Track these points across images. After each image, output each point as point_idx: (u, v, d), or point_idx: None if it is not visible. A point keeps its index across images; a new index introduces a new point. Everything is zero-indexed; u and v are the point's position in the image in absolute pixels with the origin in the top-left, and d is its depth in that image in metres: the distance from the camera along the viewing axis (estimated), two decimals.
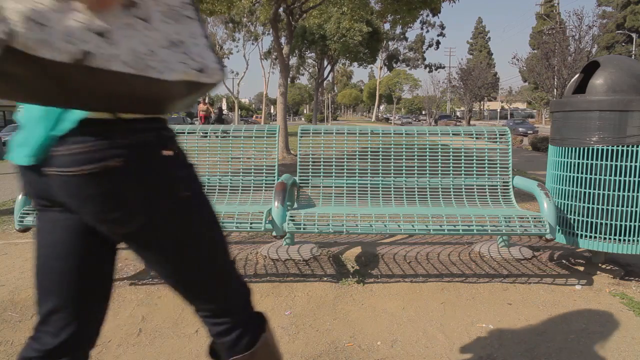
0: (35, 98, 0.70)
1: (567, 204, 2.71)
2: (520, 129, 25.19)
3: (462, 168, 3.00)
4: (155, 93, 0.76)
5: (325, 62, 27.22)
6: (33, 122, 0.83)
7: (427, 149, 2.98)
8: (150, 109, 0.81)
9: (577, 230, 2.67)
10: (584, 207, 2.62)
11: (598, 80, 2.59)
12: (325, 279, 2.74)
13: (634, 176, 2.48)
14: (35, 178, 0.86)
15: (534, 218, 2.44)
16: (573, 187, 2.67)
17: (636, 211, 2.50)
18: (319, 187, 2.97)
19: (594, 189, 2.57)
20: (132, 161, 0.81)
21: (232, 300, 1.03)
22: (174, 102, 0.81)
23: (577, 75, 2.88)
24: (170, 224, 0.89)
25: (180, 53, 0.77)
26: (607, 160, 2.52)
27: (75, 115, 0.79)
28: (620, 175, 2.50)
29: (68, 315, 0.94)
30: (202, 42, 0.81)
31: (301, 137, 3.05)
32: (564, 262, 3.00)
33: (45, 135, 0.81)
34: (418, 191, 2.98)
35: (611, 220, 2.55)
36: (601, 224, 2.58)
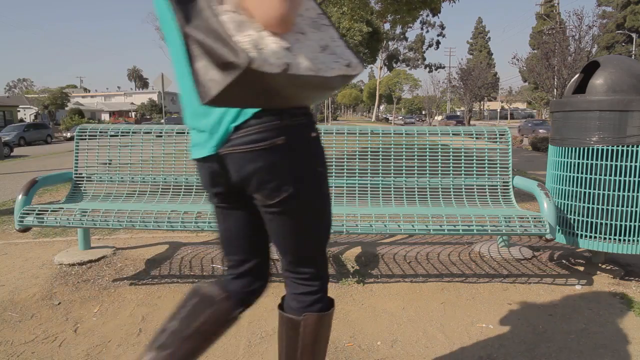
0: (247, 102, 0.95)
1: (567, 204, 2.71)
2: (540, 131, 19.93)
3: (462, 168, 3.00)
4: (322, 87, 0.97)
5: None
6: (213, 123, 1.07)
7: (427, 149, 2.98)
8: (312, 100, 1.05)
9: (577, 230, 2.67)
10: (584, 207, 2.62)
11: (598, 80, 2.59)
12: None
13: (634, 176, 2.48)
14: (211, 166, 1.13)
15: (534, 218, 2.44)
16: (573, 187, 2.67)
17: (636, 211, 2.50)
18: None
19: (594, 189, 2.57)
20: (291, 140, 1.05)
21: (325, 269, 1.25)
22: (331, 92, 1.04)
23: (577, 75, 2.88)
24: (307, 194, 1.12)
25: (330, 54, 0.97)
26: (607, 160, 2.52)
27: (252, 109, 1.02)
28: (620, 175, 2.50)
29: (249, 261, 1.29)
30: (341, 43, 1.01)
31: None
32: (564, 262, 3.00)
33: (227, 127, 1.05)
34: (418, 191, 2.98)
35: (611, 220, 2.55)
36: (601, 224, 2.58)
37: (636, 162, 2.47)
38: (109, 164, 3.18)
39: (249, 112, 1.04)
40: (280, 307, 1.29)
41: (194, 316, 1.27)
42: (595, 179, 2.56)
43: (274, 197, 1.09)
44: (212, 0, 0.86)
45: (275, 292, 2.54)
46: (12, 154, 16.99)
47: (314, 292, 1.24)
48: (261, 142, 1.04)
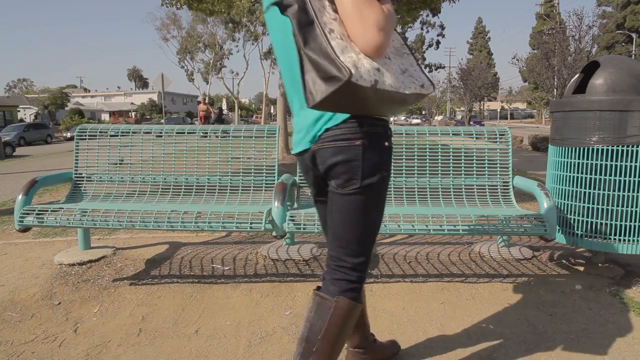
0: (341, 108, 1.21)
1: (567, 204, 2.71)
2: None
3: (462, 168, 3.00)
4: (401, 102, 1.22)
5: None
6: (309, 124, 1.35)
7: (427, 149, 2.98)
8: (392, 112, 1.31)
9: (577, 230, 2.67)
10: (584, 207, 2.62)
11: (598, 80, 2.59)
12: None
13: (634, 176, 2.48)
14: (305, 159, 1.42)
15: (534, 218, 2.44)
16: (573, 187, 2.67)
17: (636, 211, 2.50)
18: None
19: (594, 189, 2.57)
20: (367, 143, 1.29)
21: (365, 268, 1.41)
22: (407, 107, 1.31)
23: (577, 75, 2.88)
24: (370, 192, 1.33)
25: (408, 76, 1.23)
26: (607, 160, 2.52)
27: (342, 115, 1.28)
28: (620, 175, 2.50)
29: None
30: (417, 68, 1.27)
31: None
32: (564, 262, 3.00)
33: (320, 128, 1.32)
34: (418, 191, 2.98)
35: (611, 220, 2.55)
36: (601, 224, 2.58)
37: (636, 162, 2.47)
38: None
39: (338, 117, 1.30)
40: (317, 289, 1.44)
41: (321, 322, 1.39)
42: (595, 179, 2.57)
43: (344, 186, 1.33)
44: (325, 28, 1.13)
45: (275, 292, 2.54)
46: (14, 153, 16.99)
47: (351, 281, 1.40)
48: (343, 141, 1.30)
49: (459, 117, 47.24)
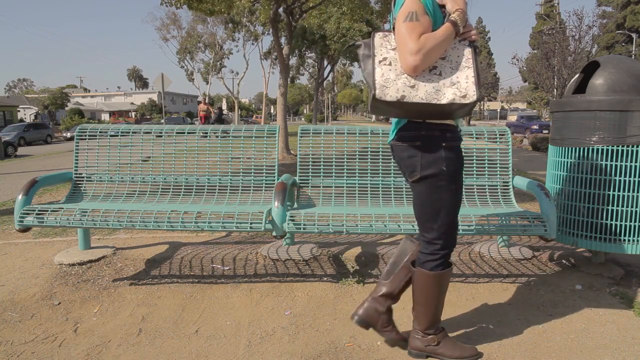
0: (390, 114, 1.69)
1: (567, 204, 2.71)
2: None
3: None
4: (436, 111, 1.58)
5: (325, 62, 27.17)
6: (393, 125, 1.78)
7: None
8: (437, 117, 1.63)
9: (577, 230, 2.67)
10: (584, 207, 2.62)
11: (598, 80, 2.59)
12: (325, 279, 2.74)
13: (634, 176, 2.48)
14: (391, 151, 1.86)
15: (534, 218, 2.44)
16: (573, 187, 2.67)
17: (636, 211, 2.50)
18: (319, 187, 2.97)
19: (594, 189, 2.57)
20: (425, 144, 1.66)
21: (446, 240, 1.74)
22: (449, 114, 1.61)
23: (577, 75, 2.88)
24: (432, 181, 1.67)
25: (454, 87, 1.54)
26: (607, 160, 2.52)
27: (406, 119, 1.69)
28: (620, 175, 2.50)
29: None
30: (472, 80, 1.54)
31: (301, 137, 3.05)
32: (564, 262, 3.00)
33: (395, 128, 1.75)
34: None
35: (611, 220, 2.54)
36: (601, 224, 2.58)
37: (636, 162, 2.47)
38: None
39: (404, 121, 1.70)
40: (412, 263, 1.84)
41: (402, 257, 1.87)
42: (595, 179, 2.56)
43: (410, 177, 1.72)
44: (378, 58, 1.60)
45: (275, 292, 2.54)
46: (16, 153, 17.01)
47: (429, 253, 1.75)
48: (406, 141, 1.70)
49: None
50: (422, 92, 1.54)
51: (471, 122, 33.91)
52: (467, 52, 1.59)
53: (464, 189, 3.03)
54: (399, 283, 1.88)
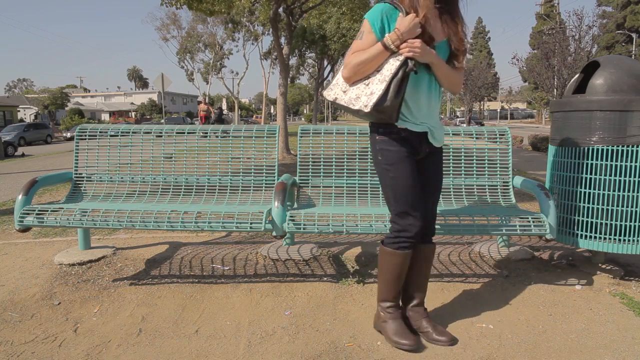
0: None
1: (567, 204, 2.71)
2: None
3: (462, 168, 3.00)
4: (354, 114, 1.83)
5: (325, 62, 27.18)
6: None
7: None
8: (361, 118, 1.85)
9: (577, 230, 2.67)
10: (584, 207, 2.62)
11: (598, 80, 2.59)
12: (325, 279, 2.74)
13: (634, 176, 2.48)
14: None
15: (534, 218, 2.44)
16: (573, 187, 2.67)
17: (636, 211, 2.50)
18: (319, 187, 2.97)
19: (594, 189, 2.57)
20: (372, 137, 1.97)
21: (394, 221, 1.95)
22: (364, 117, 1.84)
23: (577, 75, 2.88)
24: (376, 170, 1.98)
25: (367, 97, 1.79)
26: (607, 160, 2.52)
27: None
28: (620, 175, 2.50)
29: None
30: (379, 94, 1.77)
31: (301, 137, 3.05)
32: (564, 262, 3.00)
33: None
34: None
35: (611, 220, 2.54)
36: (601, 224, 2.57)
37: (636, 162, 2.47)
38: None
39: None
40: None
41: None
42: (595, 179, 2.56)
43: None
44: (342, 62, 1.91)
45: (275, 292, 2.54)
46: (16, 153, 17.02)
47: (389, 230, 1.99)
48: (370, 133, 2.00)
49: (459, 116, 47.21)
50: (347, 97, 1.85)
51: (471, 123, 33.93)
52: (394, 67, 1.76)
53: (464, 189, 3.09)
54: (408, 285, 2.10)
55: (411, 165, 1.91)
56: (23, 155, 16.31)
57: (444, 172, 2.99)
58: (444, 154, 3.02)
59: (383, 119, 1.83)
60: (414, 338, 1.94)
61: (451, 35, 1.88)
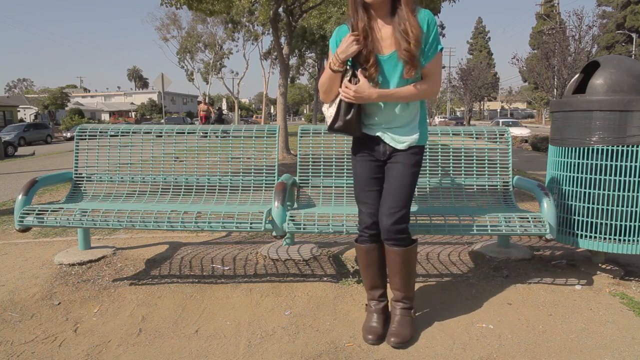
0: None
1: (567, 204, 2.71)
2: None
3: (462, 168, 3.00)
4: (329, 127, 2.00)
5: (325, 62, 27.17)
6: None
7: (427, 149, 2.98)
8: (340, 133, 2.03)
9: (577, 230, 2.67)
10: (584, 207, 2.62)
11: (598, 80, 2.59)
12: (325, 279, 2.74)
13: (634, 176, 2.48)
14: None
15: (534, 218, 2.44)
16: (573, 187, 2.67)
17: (636, 211, 2.50)
18: (319, 187, 2.97)
19: (594, 189, 2.57)
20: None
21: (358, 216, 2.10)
22: (332, 131, 2.00)
23: (577, 75, 2.88)
24: None
25: (329, 117, 2.00)
26: (607, 160, 2.52)
27: None
28: (620, 175, 2.50)
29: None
30: (333, 116, 1.98)
31: (301, 137, 3.04)
32: (564, 262, 3.00)
33: None
34: (418, 191, 2.98)
35: (611, 220, 2.54)
36: (601, 224, 2.57)
37: (636, 162, 2.47)
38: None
39: None
40: None
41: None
42: (595, 179, 2.56)
43: None
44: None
45: (275, 292, 2.54)
46: (16, 153, 17.04)
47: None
48: None
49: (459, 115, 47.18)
50: (327, 111, 2.01)
51: (471, 122, 33.94)
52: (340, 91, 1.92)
53: (464, 189, 3.09)
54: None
55: (363, 165, 2.02)
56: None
57: (444, 172, 3.01)
58: (444, 154, 3.04)
59: (346, 134, 2.01)
60: (377, 333, 1.99)
61: (399, 47, 1.80)
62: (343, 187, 2.98)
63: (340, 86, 1.89)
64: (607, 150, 2.51)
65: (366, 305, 2.13)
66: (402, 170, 1.96)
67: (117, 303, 2.43)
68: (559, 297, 2.44)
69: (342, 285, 2.63)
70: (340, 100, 1.90)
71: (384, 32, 1.85)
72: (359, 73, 1.86)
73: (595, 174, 2.56)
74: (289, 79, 13.76)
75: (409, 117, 1.97)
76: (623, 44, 41.15)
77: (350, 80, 1.86)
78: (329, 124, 1.96)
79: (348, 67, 1.88)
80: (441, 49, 1.90)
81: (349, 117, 1.90)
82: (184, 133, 3.21)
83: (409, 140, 1.95)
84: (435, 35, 1.85)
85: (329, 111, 1.97)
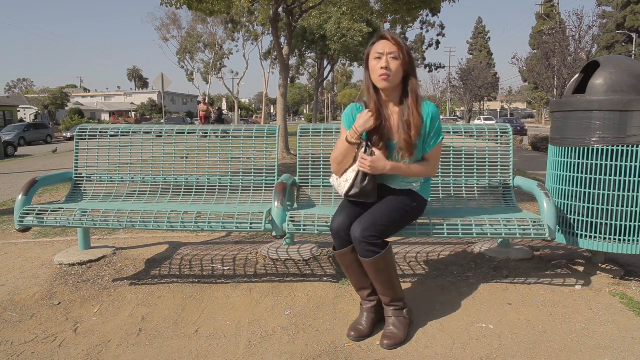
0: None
1: (567, 204, 2.71)
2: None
3: (463, 168, 3.00)
4: (343, 195, 2.14)
5: (325, 62, 27.18)
6: None
7: None
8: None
9: (577, 230, 2.67)
10: (584, 207, 2.62)
11: (598, 80, 2.58)
12: (325, 279, 2.74)
13: (634, 176, 2.48)
14: None
15: (533, 221, 2.43)
16: (573, 187, 2.67)
17: (636, 211, 2.50)
18: (319, 187, 2.97)
19: (594, 189, 2.57)
20: None
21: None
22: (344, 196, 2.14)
23: (577, 75, 2.88)
24: None
25: (345, 183, 2.12)
26: (607, 160, 2.52)
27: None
28: (620, 175, 2.50)
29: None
30: (350, 183, 2.09)
31: (301, 136, 3.04)
32: (564, 262, 3.00)
33: None
34: None
35: (611, 220, 2.54)
36: (601, 224, 2.57)
37: (636, 162, 2.47)
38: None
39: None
40: None
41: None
42: (595, 179, 2.56)
43: None
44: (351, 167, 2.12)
45: (275, 292, 2.54)
46: (16, 153, 17.04)
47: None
48: None
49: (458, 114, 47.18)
50: (336, 182, 2.15)
51: (470, 121, 33.94)
52: (355, 166, 2.05)
53: (464, 189, 3.09)
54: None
55: None
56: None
57: (444, 172, 3.01)
58: (444, 154, 3.03)
59: (362, 200, 2.07)
60: (360, 331, 2.03)
61: (399, 136, 2.02)
62: None
63: (355, 158, 2.04)
64: (607, 150, 2.51)
65: (360, 304, 2.17)
66: (390, 198, 2.11)
67: (117, 303, 2.43)
68: (559, 297, 2.44)
69: (342, 285, 2.63)
70: (359, 171, 2.02)
71: (392, 121, 2.07)
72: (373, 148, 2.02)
73: (595, 174, 2.56)
74: (289, 79, 13.77)
75: (410, 179, 2.15)
76: (623, 44, 41.16)
77: (365, 152, 2.00)
78: (344, 192, 2.07)
79: (362, 141, 2.02)
80: (441, 139, 2.12)
81: (365, 184, 2.03)
82: (184, 133, 3.21)
83: (405, 186, 2.14)
84: (437, 128, 2.08)
85: (338, 181, 2.12)
